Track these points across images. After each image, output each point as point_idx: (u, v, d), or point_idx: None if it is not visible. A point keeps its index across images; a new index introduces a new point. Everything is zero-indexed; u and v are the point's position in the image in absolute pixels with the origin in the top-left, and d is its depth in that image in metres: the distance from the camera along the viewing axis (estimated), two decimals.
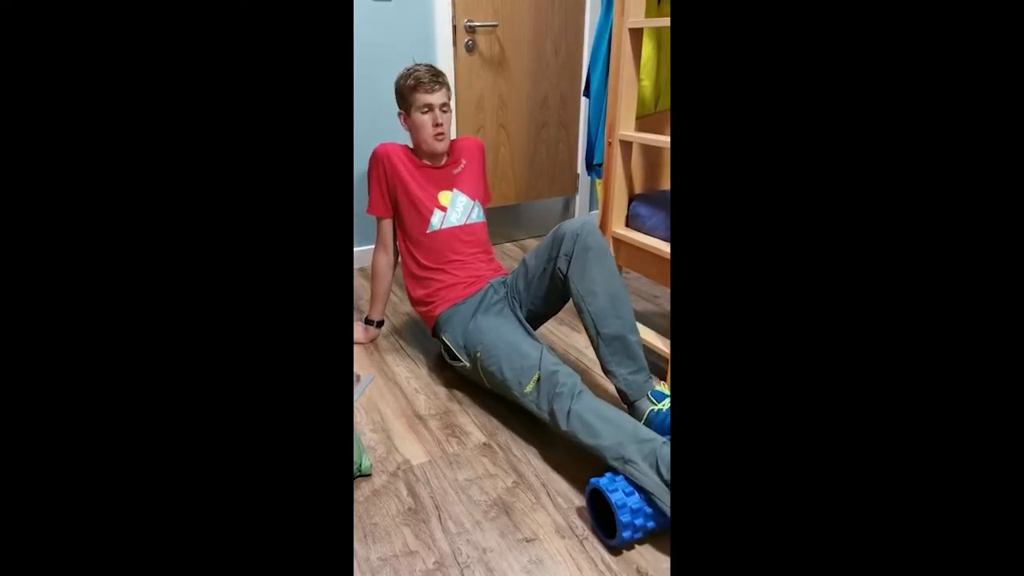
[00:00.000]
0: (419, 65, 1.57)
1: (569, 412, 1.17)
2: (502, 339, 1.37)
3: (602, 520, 1.08)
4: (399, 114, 1.62)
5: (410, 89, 1.54)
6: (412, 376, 1.62)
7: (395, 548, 1.06)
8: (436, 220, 1.60)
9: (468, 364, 1.44)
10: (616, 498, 1.02)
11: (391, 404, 1.50)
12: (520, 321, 1.46)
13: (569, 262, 1.37)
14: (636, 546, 1.06)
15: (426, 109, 1.54)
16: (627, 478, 1.05)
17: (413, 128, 1.59)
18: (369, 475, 1.24)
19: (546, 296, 1.50)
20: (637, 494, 1.03)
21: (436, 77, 1.55)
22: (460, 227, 1.63)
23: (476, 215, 1.67)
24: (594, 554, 1.05)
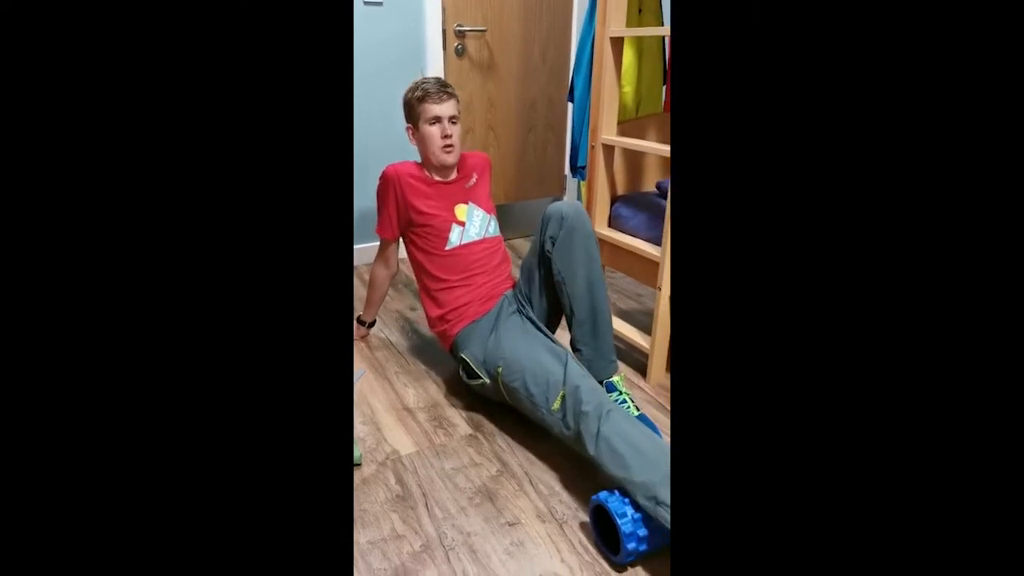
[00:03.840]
0: (427, 78, 1.54)
1: (598, 435, 1.11)
2: (523, 353, 1.32)
3: (605, 534, 1.08)
4: (407, 128, 1.58)
5: (418, 101, 1.50)
6: (402, 371, 1.68)
7: (383, 532, 1.11)
8: (455, 236, 1.55)
9: (488, 381, 1.39)
10: (625, 526, 1.00)
11: (381, 398, 1.55)
12: (537, 327, 1.44)
13: (554, 242, 1.41)
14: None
15: (434, 121, 1.50)
16: (658, 520, 0.99)
17: (421, 141, 1.54)
18: (359, 465, 1.29)
19: (550, 290, 1.49)
20: (642, 518, 1.02)
21: (444, 88, 1.51)
22: (480, 241, 1.58)
23: (493, 229, 1.63)
24: (572, 537, 1.11)
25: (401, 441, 1.38)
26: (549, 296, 1.50)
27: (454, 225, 1.56)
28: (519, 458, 1.32)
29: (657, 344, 1.57)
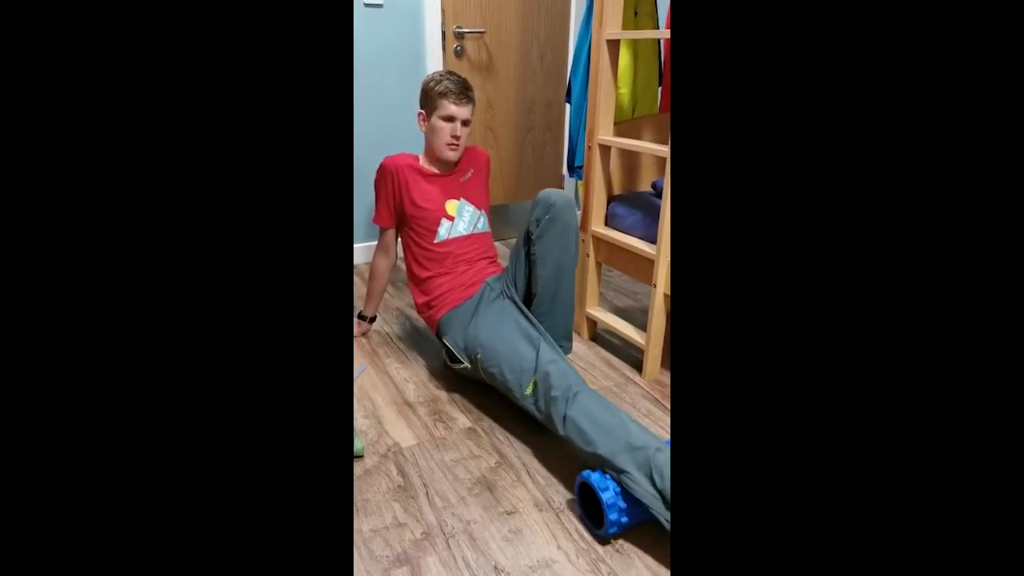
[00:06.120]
0: (452, 74, 1.59)
1: (565, 418, 1.20)
2: (500, 339, 1.42)
3: (590, 510, 1.15)
4: (419, 114, 1.63)
5: (439, 95, 1.56)
6: (402, 367, 1.71)
7: (385, 521, 1.15)
8: (443, 231, 1.63)
9: (469, 365, 1.50)
10: (607, 497, 1.07)
11: (382, 392, 1.58)
12: (518, 307, 1.52)
13: (539, 224, 1.51)
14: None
15: (448, 119, 1.57)
16: (622, 488, 1.08)
17: (430, 131, 1.61)
18: (361, 457, 1.32)
19: (531, 269, 1.57)
20: (622, 492, 1.08)
21: (466, 92, 1.57)
22: (467, 236, 1.66)
23: (482, 225, 1.70)
24: (568, 525, 1.14)
25: (402, 434, 1.41)
26: (529, 274, 1.59)
27: (443, 220, 1.64)
28: (517, 450, 1.36)
29: (652, 340, 1.60)
